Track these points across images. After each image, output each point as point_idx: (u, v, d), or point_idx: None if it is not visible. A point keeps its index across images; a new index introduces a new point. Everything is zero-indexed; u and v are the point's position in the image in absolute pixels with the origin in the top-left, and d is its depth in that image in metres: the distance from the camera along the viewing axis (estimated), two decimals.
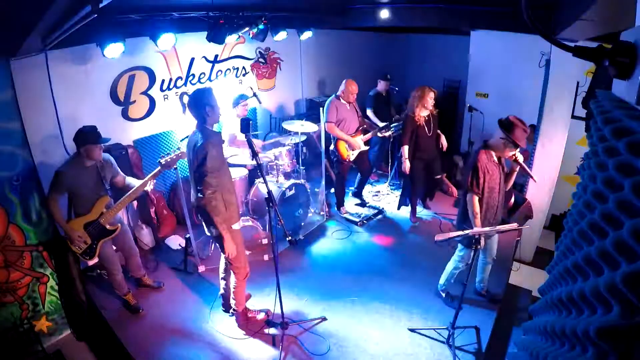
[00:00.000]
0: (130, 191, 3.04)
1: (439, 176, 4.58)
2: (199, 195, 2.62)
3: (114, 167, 3.10)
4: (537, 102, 4.24)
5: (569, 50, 1.04)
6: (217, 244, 2.89)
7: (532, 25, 1.03)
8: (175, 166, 3.15)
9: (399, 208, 4.88)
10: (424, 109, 4.05)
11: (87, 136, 2.79)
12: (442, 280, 3.39)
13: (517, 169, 2.95)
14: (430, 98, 3.99)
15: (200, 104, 2.63)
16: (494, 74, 5.01)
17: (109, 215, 3.01)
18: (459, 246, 3.19)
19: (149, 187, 3.09)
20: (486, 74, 5.10)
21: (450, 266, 3.30)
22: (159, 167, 3.04)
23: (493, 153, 2.89)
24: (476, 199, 2.85)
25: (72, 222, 2.91)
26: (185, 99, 2.66)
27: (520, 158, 2.88)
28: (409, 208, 4.73)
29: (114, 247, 3.24)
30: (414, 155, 4.20)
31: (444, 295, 3.41)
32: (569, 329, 0.92)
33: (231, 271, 3.02)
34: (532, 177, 2.97)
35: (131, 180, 3.18)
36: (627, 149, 0.78)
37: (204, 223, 2.84)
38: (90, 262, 3.06)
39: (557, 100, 3.56)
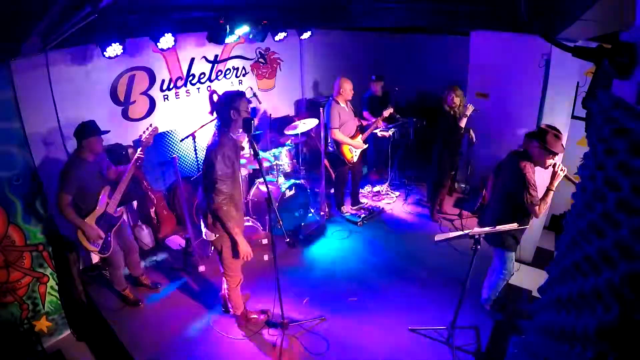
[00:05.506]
0: (125, 175, 3.08)
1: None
2: (210, 201, 2.58)
3: (107, 161, 3.19)
4: (537, 102, 4.23)
5: (569, 50, 1.05)
6: (215, 249, 2.87)
7: (531, 26, 1.03)
8: (151, 141, 3.16)
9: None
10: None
11: (89, 129, 2.86)
12: (485, 294, 3.22)
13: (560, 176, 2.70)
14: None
15: (227, 106, 2.58)
16: (494, 74, 5.00)
17: (113, 203, 3.09)
18: (500, 254, 3.05)
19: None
20: (486, 74, 5.08)
21: (493, 278, 3.14)
22: (140, 147, 3.09)
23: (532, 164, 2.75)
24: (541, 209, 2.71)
25: (87, 220, 2.96)
26: (216, 97, 2.68)
27: (562, 170, 2.66)
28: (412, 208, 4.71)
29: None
30: None
31: (488, 308, 3.24)
32: (569, 329, 0.92)
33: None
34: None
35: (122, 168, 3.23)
36: (627, 149, 0.78)
37: (204, 226, 2.80)
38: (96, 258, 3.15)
39: (557, 100, 3.55)
